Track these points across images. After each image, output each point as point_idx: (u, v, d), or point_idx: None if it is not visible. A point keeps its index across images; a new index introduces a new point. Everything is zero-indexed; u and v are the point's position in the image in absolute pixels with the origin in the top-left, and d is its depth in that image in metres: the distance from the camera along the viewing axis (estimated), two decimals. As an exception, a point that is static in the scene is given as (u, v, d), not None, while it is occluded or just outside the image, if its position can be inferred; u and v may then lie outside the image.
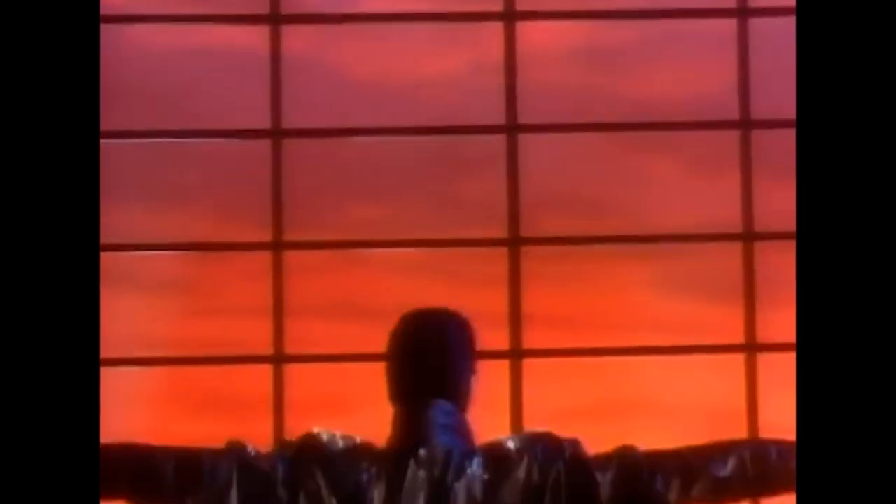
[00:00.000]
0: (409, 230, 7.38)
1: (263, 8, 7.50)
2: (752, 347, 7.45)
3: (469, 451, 3.87)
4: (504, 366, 7.36)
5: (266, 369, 7.19)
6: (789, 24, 7.68)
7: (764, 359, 7.50)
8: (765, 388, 7.47)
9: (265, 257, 7.33)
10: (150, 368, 7.43)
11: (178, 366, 7.31)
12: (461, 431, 3.94)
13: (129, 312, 7.38)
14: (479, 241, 7.41)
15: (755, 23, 7.63)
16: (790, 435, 7.43)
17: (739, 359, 7.48)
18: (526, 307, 7.43)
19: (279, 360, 7.21)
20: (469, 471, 3.80)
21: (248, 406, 7.37)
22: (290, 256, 7.35)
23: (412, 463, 3.78)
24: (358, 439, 3.99)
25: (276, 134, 7.43)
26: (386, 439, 4.20)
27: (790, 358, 7.29)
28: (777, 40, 7.66)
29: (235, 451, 4.15)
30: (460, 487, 3.77)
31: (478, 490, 3.77)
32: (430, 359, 4.04)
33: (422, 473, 3.75)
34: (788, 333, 7.37)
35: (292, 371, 7.30)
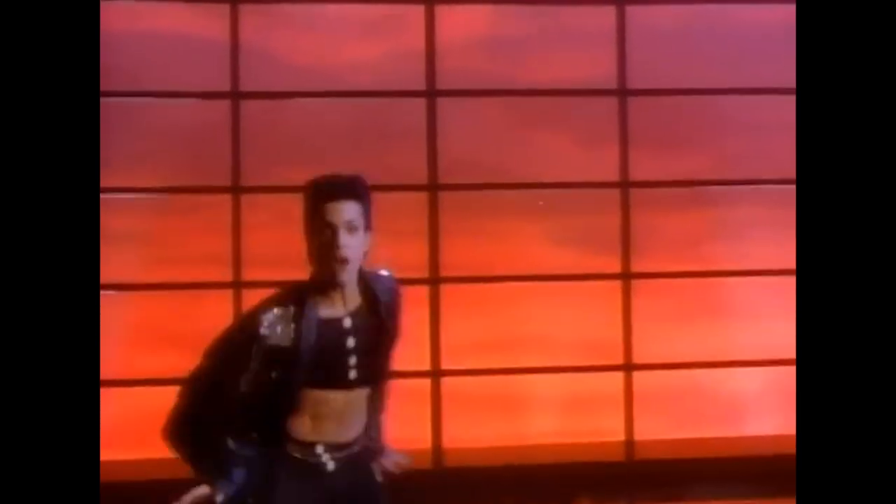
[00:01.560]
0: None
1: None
2: (627, 276, 8.32)
3: None
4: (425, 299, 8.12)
5: (224, 305, 7.72)
6: (660, 12, 8.45)
7: (637, 289, 8.33)
8: (638, 318, 8.32)
9: (223, 213, 7.92)
10: (116, 307, 7.89)
11: (145, 291, 7.91)
12: None
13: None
14: (405, 186, 8.15)
15: (632, 12, 8.40)
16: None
17: (617, 297, 8.32)
18: (442, 257, 8.20)
19: (237, 286, 7.85)
20: None
21: (208, 340, 8.08)
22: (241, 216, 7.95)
23: None
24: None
25: (235, 95, 8.09)
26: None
27: (660, 288, 8.30)
28: (650, 28, 8.44)
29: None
30: None
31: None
32: None
33: None
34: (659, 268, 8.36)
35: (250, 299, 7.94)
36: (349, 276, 3.95)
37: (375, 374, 4.08)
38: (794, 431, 8.34)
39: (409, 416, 8.00)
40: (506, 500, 7.57)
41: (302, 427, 4.02)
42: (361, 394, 4.05)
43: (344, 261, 3.90)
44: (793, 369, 8.43)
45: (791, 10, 8.51)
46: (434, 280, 8.21)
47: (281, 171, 7.88)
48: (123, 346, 7.96)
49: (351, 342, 3.97)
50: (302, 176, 7.96)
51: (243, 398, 3.95)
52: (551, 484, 7.76)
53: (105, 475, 7.36)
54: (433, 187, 8.28)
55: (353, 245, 3.92)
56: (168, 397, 7.97)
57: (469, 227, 8.31)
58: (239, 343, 3.95)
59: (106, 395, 7.70)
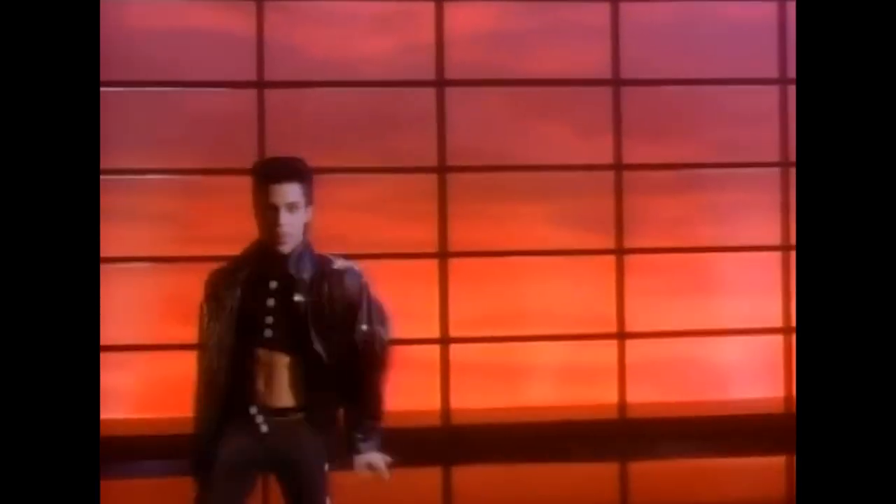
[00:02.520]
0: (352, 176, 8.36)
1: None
2: (620, 251, 8.74)
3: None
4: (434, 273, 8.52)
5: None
6: (652, 8, 8.78)
7: (629, 266, 8.72)
8: (630, 292, 8.72)
9: (249, 195, 8.24)
10: (148, 282, 8.39)
11: (171, 263, 8.27)
12: None
13: (126, 238, 8.34)
14: (415, 168, 8.54)
15: (625, 8, 8.76)
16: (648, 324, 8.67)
17: (611, 273, 8.70)
18: (450, 236, 8.55)
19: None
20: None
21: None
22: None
23: None
24: None
25: (260, 85, 8.44)
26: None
27: (651, 265, 8.72)
28: (643, 23, 8.75)
29: None
30: None
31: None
32: None
33: None
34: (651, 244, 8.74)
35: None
36: (289, 248, 4.24)
37: (294, 342, 4.27)
38: (776, 394, 8.81)
39: (421, 381, 8.39)
40: (507, 454, 7.94)
41: None
42: (282, 359, 4.27)
43: (284, 236, 4.21)
44: (775, 337, 8.94)
45: (774, 6, 9.00)
46: (442, 254, 8.59)
47: (302, 154, 7.89)
48: (151, 315, 8.40)
49: (271, 302, 4.24)
50: (322, 159, 8.30)
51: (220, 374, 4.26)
52: (549, 440, 8.15)
53: (137, 430, 7.98)
54: (442, 169, 8.65)
55: (292, 222, 4.22)
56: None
57: (474, 210, 8.67)
58: (202, 306, 4.34)
59: (132, 358, 8.34)
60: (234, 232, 7.75)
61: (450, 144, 8.67)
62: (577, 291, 8.72)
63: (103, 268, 8.09)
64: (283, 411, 4.27)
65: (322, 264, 4.34)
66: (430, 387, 8.56)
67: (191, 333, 7.66)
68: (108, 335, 8.06)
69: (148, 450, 7.97)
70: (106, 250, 8.14)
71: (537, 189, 8.74)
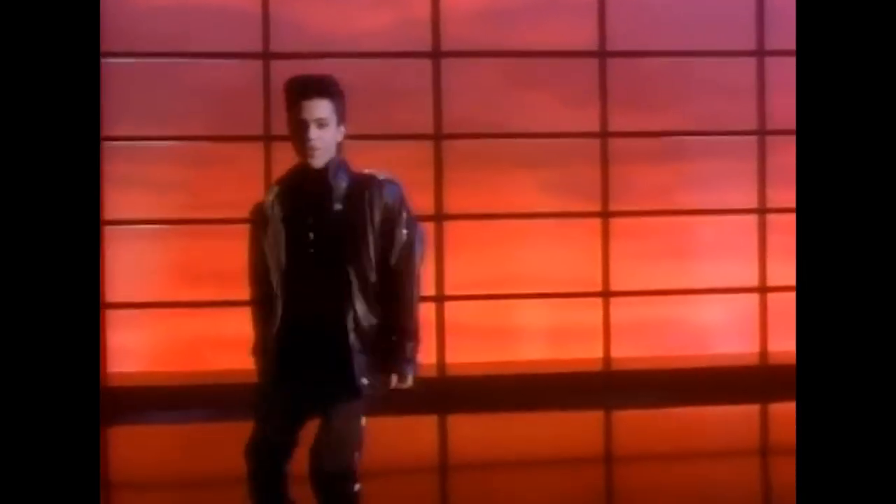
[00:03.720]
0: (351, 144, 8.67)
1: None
2: (606, 214, 9.03)
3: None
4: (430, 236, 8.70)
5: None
6: None
7: (614, 230, 9.02)
8: (615, 254, 9.04)
9: (256, 163, 8.44)
10: (159, 247, 8.62)
11: (178, 225, 8.53)
12: None
13: (138, 205, 8.59)
14: (412, 135, 8.76)
15: None
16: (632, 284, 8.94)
17: (597, 237, 9.01)
18: (446, 204, 8.83)
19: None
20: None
21: (236, 277, 8.55)
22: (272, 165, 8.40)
23: None
24: None
25: (266, 56, 8.67)
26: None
27: (635, 230, 9.02)
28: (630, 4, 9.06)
29: None
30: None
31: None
32: None
33: None
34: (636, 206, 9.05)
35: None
36: (320, 162, 4.26)
37: (336, 254, 4.27)
38: (752, 349, 9.05)
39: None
40: (499, 404, 8.19)
41: None
42: (326, 272, 4.26)
43: (314, 150, 4.24)
44: (751, 296, 9.19)
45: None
46: (438, 217, 8.84)
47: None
48: (162, 276, 8.70)
49: (310, 218, 4.27)
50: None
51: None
52: (539, 391, 8.43)
53: (149, 381, 8.24)
54: (437, 137, 8.89)
55: (322, 136, 4.24)
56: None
57: (468, 177, 8.90)
58: (251, 230, 4.46)
59: (143, 317, 8.63)
60: (242, 199, 8.51)
61: (445, 114, 8.90)
62: (566, 254, 8.98)
63: (117, 231, 8.56)
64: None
65: (360, 176, 4.33)
66: (427, 344, 8.75)
67: (198, 294, 8.44)
68: (119, 295, 8.58)
69: (155, 400, 8.29)
70: (119, 215, 8.58)
71: (528, 157, 8.96)
